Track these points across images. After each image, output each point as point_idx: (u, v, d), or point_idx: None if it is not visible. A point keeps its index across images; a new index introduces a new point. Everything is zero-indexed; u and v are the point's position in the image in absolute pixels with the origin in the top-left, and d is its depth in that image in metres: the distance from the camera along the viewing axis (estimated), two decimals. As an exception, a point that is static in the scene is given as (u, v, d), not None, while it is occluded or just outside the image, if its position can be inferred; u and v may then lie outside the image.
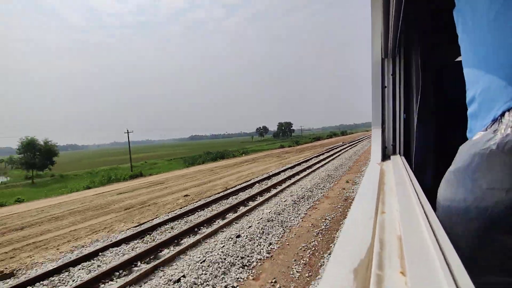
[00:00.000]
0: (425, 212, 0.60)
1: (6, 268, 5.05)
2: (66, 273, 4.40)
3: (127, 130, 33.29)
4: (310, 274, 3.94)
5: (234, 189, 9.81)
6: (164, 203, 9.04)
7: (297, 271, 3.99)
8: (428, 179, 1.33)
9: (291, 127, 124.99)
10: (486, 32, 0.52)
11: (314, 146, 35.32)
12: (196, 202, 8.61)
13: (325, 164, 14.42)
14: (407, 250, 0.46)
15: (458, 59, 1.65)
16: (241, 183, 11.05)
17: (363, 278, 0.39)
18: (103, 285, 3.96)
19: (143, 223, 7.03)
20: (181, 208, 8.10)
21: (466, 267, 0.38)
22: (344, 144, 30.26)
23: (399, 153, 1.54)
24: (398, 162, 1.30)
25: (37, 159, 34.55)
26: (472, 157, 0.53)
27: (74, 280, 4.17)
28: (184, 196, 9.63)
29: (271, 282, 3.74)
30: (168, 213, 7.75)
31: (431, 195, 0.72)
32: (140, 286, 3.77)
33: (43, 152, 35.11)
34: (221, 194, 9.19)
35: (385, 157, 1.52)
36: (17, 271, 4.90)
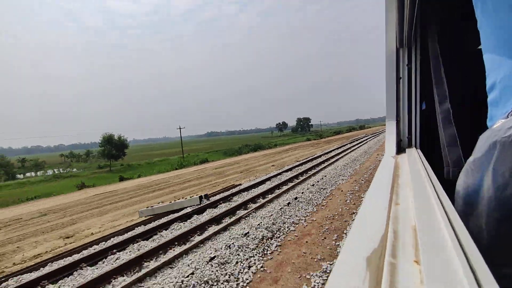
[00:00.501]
0: (441, 203, 0.59)
1: (216, 186, 10.75)
2: (262, 185, 9.92)
3: (180, 127, 39.94)
4: (369, 175, 9.18)
5: (303, 161, 15.21)
6: (262, 169, 14.58)
7: (364, 178, 9.21)
8: (446, 171, 1.26)
9: (310, 122, 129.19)
10: (508, 14, 0.50)
11: (339, 139, 40.42)
12: (282, 168, 14.04)
13: (356, 148, 19.41)
14: (422, 240, 0.45)
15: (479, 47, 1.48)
16: (303, 159, 16.40)
17: (376, 266, 0.40)
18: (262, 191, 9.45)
19: (259, 177, 12.56)
20: (275, 171, 13.55)
21: (485, 258, 0.37)
22: (367, 136, 34.90)
23: (415, 146, 1.50)
24: (414, 155, 1.28)
25: (114, 151, 42.83)
26: (493, 145, 0.51)
27: (263, 186, 9.66)
28: (272, 165, 15.14)
29: (353, 183, 8.95)
30: (270, 173, 13.23)
31: (449, 188, 0.71)
32: (296, 198, 9.16)
33: (118, 145, 43.56)
34: (296, 163, 14.57)
35: (400, 150, 1.48)
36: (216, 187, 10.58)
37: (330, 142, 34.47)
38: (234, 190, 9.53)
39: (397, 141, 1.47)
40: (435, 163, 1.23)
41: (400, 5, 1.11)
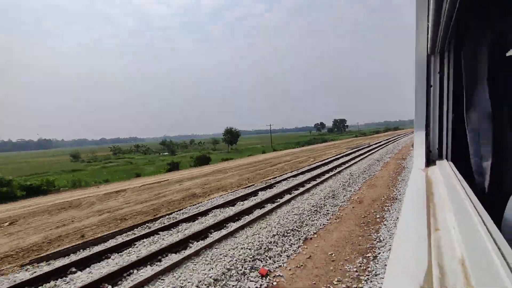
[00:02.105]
0: (489, 232, 0.52)
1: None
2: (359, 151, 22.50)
3: (270, 124, 54.33)
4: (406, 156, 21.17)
5: (370, 144, 27.56)
6: (335, 149, 27.11)
7: (405, 155, 21.19)
8: (483, 188, 1.15)
9: (345, 123, 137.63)
10: None
11: (380, 136, 51.50)
12: (352, 149, 26.40)
13: (400, 139, 31.08)
14: (475, 279, 0.40)
15: None
16: (372, 143, 28.52)
17: None
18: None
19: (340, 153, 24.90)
20: (346, 150, 25.73)
21: None
22: (407, 134, 45.97)
23: (446, 158, 1.42)
24: (446, 168, 1.21)
25: (232, 139, 65.11)
26: None
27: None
28: (345, 148, 27.73)
29: (400, 157, 20.60)
30: (342, 152, 25.43)
31: (490, 209, 0.65)
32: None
33: (233, 134, 64.93)
34: (368, 144, 26.88)
35: (429, 162, 1.42)
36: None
37: (373, 138, 45.71)
38: (332, 158, 21.56)
39: (427, 152, 1.41)
40: (470, 178, 1.14)
41: (436, 10, 1.00)
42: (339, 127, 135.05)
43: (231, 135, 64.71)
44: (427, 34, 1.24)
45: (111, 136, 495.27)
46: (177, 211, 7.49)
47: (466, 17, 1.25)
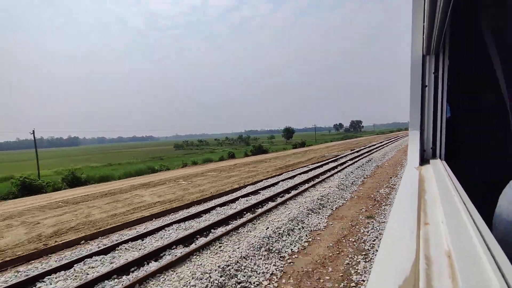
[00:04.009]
0: (477, 227, 0.55)
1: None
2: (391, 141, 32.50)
3: (314, 125, 67.46)
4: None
5: (390, 138, 40.23)
6: (376, 139, 39.62)
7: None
8: (475, 187, 1.16)
9: (361, 124, 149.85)
10: None
11: (396, 134, 63.80)
12: (384, 141, 38.58)
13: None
14: (460, 271, 0.41)
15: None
16: (391, 137, 40.13)
17: None
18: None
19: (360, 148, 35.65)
20: (379, 143, 36.79)
21: None
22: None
23: (440, 157, 1.45)
24: (439, 167, 1.24)
25: (288, 135, 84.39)
26: None
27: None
28: (370, 142, 40.71)
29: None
30: (382, 140, 37.77)
31: (480, 207, 0.67)
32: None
33: (290, 131, 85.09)
34: (387, 139, 38.53)
35: (423, 161, 1.44)
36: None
37: (391, 135, 58.09)
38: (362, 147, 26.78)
39: (421, 152, 1.42)
40: (462, 177, 1.15)
41: (430, 11, 1.01)
42: (355, 127, 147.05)
43: (288, 132, 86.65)
44: (423, 35, 1.25)
45: (128, 135, 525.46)
46: (286, 172, 13.73)
47: (460, 18, 1.27)
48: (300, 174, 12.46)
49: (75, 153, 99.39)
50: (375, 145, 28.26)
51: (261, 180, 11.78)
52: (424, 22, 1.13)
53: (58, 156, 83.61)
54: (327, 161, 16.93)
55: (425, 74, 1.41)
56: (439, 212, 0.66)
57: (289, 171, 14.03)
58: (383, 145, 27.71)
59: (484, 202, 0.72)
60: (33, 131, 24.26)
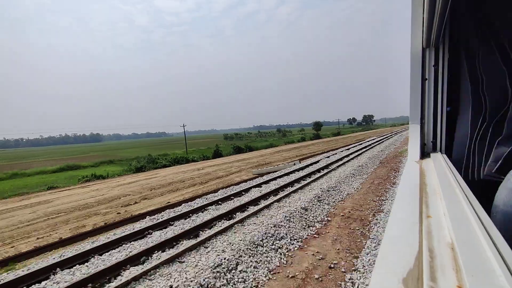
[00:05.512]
0: (479, 218, 0.55)
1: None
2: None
3: (338, 119, 78.36)
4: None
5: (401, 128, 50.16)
6: (394, 129, 48.24)
7: None
8: (475, 179, 1.17)
9: (373, 118, 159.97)
10: None
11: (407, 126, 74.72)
12: (396, 131, 46.78)
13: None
14: (463, 261, 0.41)
15: None
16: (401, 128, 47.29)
17: None
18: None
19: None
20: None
21: None
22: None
23: (440, 151, 1.44)
24: (439, 160, 1.23)
25: (317, 128, 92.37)
26: None
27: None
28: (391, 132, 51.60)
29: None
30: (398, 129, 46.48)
31: (481, 199, 0.67)
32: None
33: (319, 125, 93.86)
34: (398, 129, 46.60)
35: (424, 154, 1.43)
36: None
37: (403, 127, 67.13)
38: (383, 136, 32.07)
39: (421, 145, 1.41)
40: (463, 170, 1.16)
41: (430, 3, 1.00)
42: (367, 121, 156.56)
43: (317, 125, 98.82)
44: (423, 28, 1.22)
45: (142, 131, 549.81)
46: (322, 153, 20.11)
47: (460, 11, 1.28)
48: (352, 148, 21.00)
49: (133, 145, 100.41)
50: (397, 131, 43.17)
51: (338, 148, 23.13)
52: (424, 15, 1.13)
53: (135, 146, 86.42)
54: (360, 142, 27.22)
55: (425, 67, 1.40)
56: (441, 205, 0.67)
57: (342, 147, 24.28)
58: (402, 130, 42.56)
59: (484, 194, 0.73)
60: (184, 125, 37.61)
